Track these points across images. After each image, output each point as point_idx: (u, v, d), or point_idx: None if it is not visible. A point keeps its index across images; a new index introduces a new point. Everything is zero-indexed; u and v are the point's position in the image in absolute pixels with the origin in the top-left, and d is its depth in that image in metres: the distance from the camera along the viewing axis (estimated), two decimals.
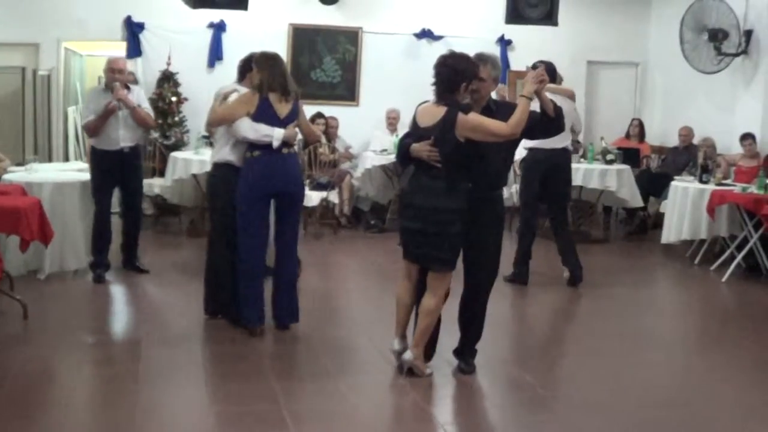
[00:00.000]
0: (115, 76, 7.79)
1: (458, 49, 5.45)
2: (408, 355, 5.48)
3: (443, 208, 5.24)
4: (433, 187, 5.27)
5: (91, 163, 8.11)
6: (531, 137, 5.80)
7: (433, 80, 5.30)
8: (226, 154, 6.38)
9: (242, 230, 6.30)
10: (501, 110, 5.34)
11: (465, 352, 5.75)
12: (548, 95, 5.53)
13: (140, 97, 8.10)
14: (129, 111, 7.81)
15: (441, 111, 5.22)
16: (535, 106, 5.38)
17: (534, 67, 8.39)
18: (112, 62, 7.89)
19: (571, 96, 8.58)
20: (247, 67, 6.58)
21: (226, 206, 6.38)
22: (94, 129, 7.82)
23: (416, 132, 5.38)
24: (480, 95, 5.40)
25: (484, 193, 5.43)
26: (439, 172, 5.24)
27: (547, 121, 5.45)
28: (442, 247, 5.29)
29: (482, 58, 5.44)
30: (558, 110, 5.47)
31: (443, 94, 5.26)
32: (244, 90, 6.41)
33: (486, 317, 5.76)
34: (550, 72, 7.99)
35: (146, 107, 8.13)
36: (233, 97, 6.35)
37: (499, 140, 5.22)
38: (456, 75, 5.22)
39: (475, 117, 5.20)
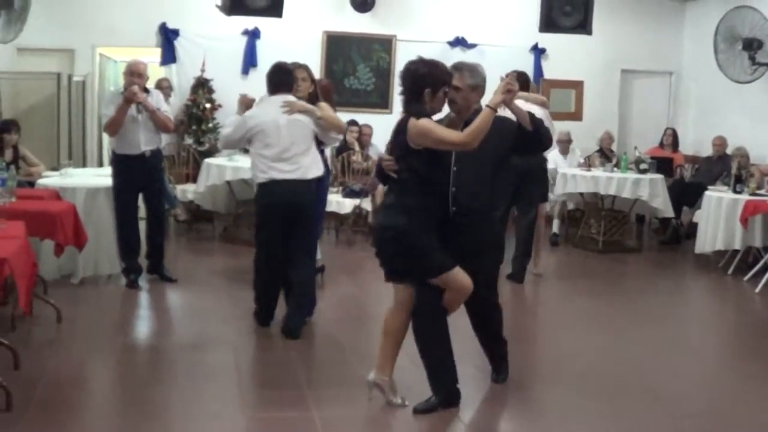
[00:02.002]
0: (134, 80, 7.59)
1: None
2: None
3: (386, 225, 4.94)
4: (387, 203, 5.02)
5: (113, 168, 7.93)
6: (513, 151, 5.28)
7: (399, 90, 5.07)
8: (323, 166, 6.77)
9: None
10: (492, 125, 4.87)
11: (494, 359, 5.63)
12: (521, 103, 5.29)
13: (159, 100, 7.94)
14: (148, 114, 7.67)
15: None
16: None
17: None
18: (133, 66, 7.68)
19: (543, 104, 8.59)
20: (289, 77, 6.60)
21: None
22: (114, 124, 7.57)
23: None
24: (459, 106, 5.07)
25: (463, 216, 5.02)
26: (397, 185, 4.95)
27: (524, 135, 5.08)
28: (403, 266, 4.96)
29: (457, 66, 5.14)
30: (537, 123, 5.11)
31: (409, 103, 5.00)
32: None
33: (505, 322, 5.57)
34: (521, 80, 8.00)
35: (165, 110, 7.97)
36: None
37: (454, 149, 4.89)
38: (416, 81, 4.91)
39: (425, 122, 4.80)
